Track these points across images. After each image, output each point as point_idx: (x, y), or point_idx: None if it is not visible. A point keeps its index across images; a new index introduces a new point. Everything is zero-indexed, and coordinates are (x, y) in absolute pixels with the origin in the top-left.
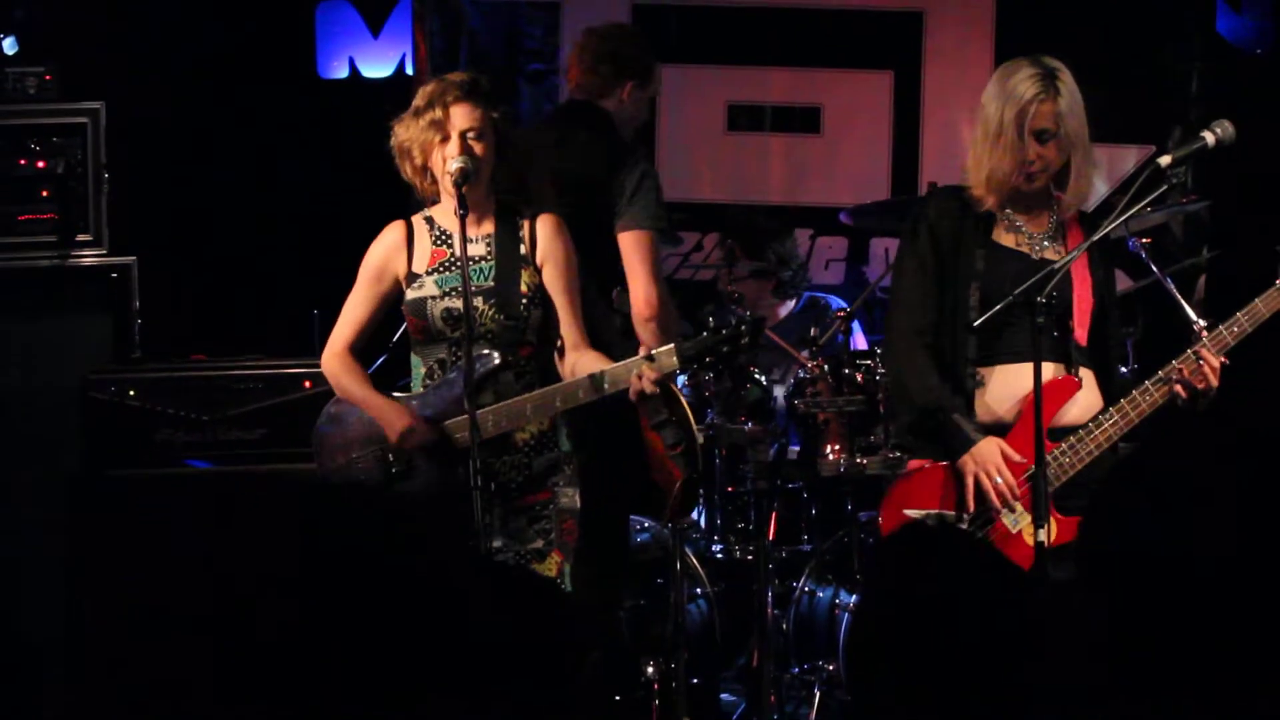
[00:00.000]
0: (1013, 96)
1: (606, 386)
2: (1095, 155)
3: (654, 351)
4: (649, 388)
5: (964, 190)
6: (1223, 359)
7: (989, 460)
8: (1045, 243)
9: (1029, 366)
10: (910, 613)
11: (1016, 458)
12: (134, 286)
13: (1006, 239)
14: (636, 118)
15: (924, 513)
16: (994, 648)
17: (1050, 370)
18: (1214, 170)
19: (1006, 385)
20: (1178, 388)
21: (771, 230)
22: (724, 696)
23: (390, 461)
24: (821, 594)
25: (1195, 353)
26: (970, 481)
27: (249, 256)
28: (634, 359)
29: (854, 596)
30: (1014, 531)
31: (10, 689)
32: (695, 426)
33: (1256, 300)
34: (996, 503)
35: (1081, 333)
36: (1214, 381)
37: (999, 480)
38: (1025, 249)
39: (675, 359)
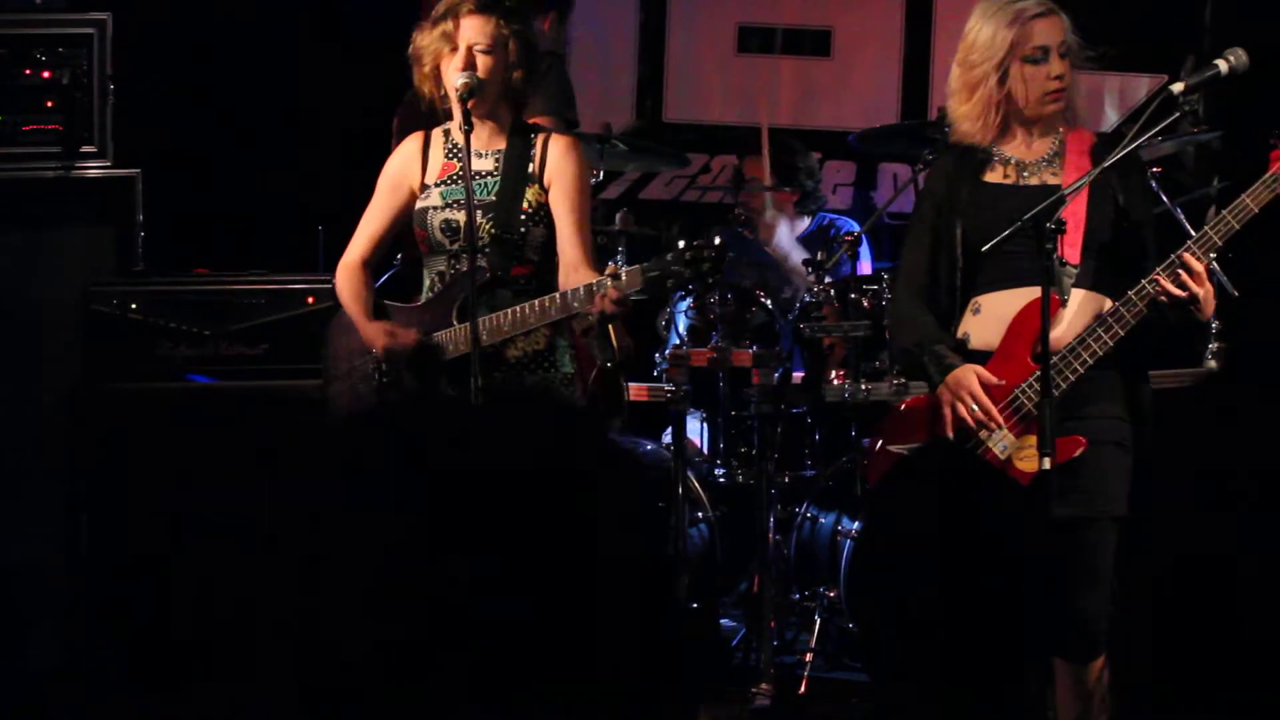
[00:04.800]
0: (1018, 19)
1: (576, 305)
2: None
3: (620, 270)
4: (609, 307)
5: (955, 141)
6: (1207, 263)
7: (962, 385)
8: (1041, 168)
9: (1013, 292)
10: (910, 540)
11: (994, 381)
12: (138, 199)
13: (994, 175)
14: (552, 50)
15: (907, 447)
16: (993, 566)
17: (1033, 293)
18: (1226, 100)
19: (992, 312)
20: (1160, 296)
21: (796, 147)
22: (724, 622)
23: (382, 371)
24: (824, 520)
25: (1177, 257)
26: (947, 410)
27: (254, 170)
28: (601, 278)
29: (856, 523)
30: (1003, 458)
31: (10, 603)
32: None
33: (1244, 195)
34: (972, 425)
35: (1070, 252)
36: (1196, 287)
37: (974, 406)
38: (1011, 179)
39: (640, 278)
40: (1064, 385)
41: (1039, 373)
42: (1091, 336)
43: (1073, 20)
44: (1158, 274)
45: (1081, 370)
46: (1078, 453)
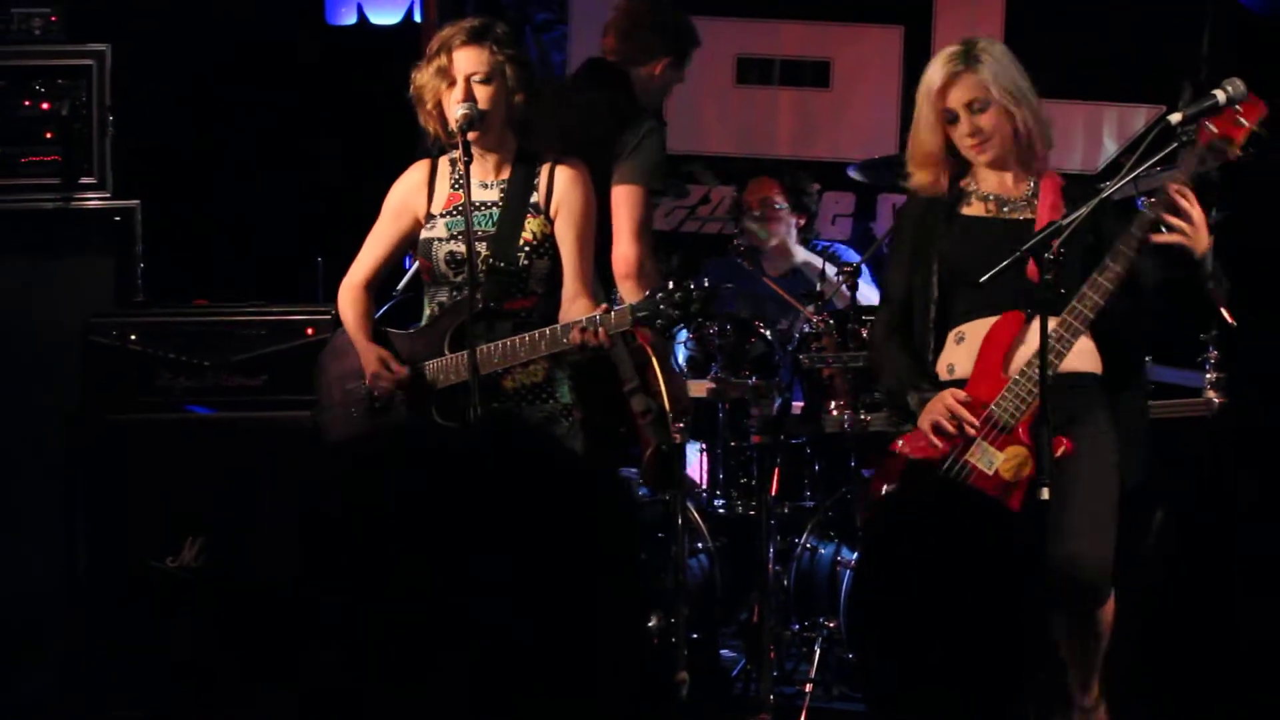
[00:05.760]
0: (929, 83)
1: (565, 341)
2: (1043, 110)
3: (612, 309)
4: (592, 340)
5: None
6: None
7: (936, 404)
8: (1020, 206)
9: (985, 322)
10: (908, 571)
11: (964, 398)
12: (137, 230)
13: (974, 209)
14: (662, 95)
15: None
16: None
17: (1013, 316)
18: None
19: (977, 340)
20: (1153, 233)
21: (798, 175)
22: (724, 652)
23: (374, 396)
24: (823, 550)
25: (1162, 194)
26: (928, 429)
27: (253, 202)
28: (591, 315)
29: (855, 553)
30: (990, 473)
31: (8, 633)
32: (667, 397)
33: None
34: (951, 430)
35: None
36: (1189, 206)
37: (951, 417)
38: (993, 214)
39: (628, 318)
40: (1037, 393)
41: (1010, 385)
42: (1070, 313)
43: (1067, 54)
44: (1146, 209)
45: (1051, 373)
46: (1059, 452)
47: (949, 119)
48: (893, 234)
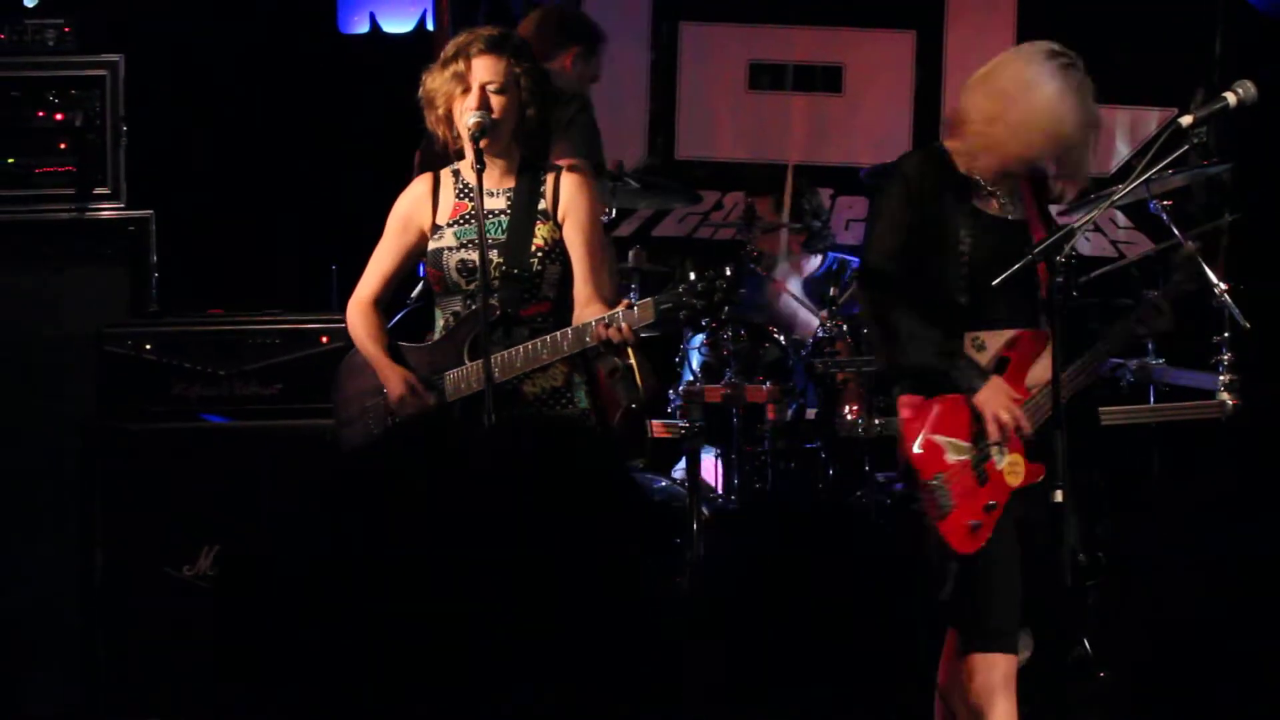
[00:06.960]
0: (1065, 88)
1: (588, 339)
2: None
3: (634, 304)
4: (615, 336)
5: (942, 153)
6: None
7: (1008, 396)
8: (1016, 203)
9: (1004, 334)
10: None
11: (1015, 395)
12: (151, 240)
13: (987, 205)
14: (579, 89)
15: (948, 440)
16: None
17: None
18: (1236, 133)
19: (987, 352)
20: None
21: (802, 187)
22: None
23: (393, 413)
24: None
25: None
26: (990, 416)
27: (267, 211)
28: (614, 311)
29: None
30: (999, 469)
31: (25, 640)
32: (634, 355)
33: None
34: (1012, 431)
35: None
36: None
37: (1010, 417)
38: (1002, 214)
39: (653, 311)
40: (1044, 416)
41: (1031, 399)
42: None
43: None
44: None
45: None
46: (1039, 479)
47: None
48: (893, 180)
